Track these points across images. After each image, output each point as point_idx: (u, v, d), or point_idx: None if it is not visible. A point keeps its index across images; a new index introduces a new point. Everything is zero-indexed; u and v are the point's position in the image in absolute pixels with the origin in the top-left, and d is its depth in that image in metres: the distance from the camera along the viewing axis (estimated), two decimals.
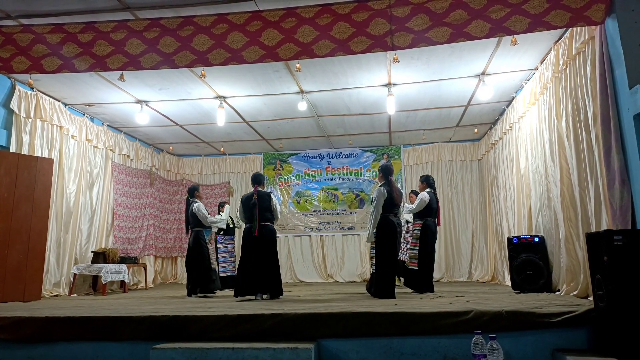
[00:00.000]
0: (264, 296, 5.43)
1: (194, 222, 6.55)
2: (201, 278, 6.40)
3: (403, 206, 6.21)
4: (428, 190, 6.23)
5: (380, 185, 5.52)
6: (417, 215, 6.14)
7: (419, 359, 3.29)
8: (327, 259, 10.10)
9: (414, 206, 6.18)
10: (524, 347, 3.27)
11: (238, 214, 5.86)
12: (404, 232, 6.53)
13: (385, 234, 5.31)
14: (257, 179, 5.75)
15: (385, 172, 5.56)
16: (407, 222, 6.92)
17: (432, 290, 5.85)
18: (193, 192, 6.75)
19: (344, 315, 3.43)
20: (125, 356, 3.46)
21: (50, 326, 3.59)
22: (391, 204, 5.36)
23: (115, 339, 3.50)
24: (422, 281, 5.93)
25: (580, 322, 3.28)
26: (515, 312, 3.35)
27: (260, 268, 5.41)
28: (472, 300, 4.45)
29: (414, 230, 6.16)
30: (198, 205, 6.51)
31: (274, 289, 5.42)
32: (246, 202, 5.64)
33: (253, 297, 5.42)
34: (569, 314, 3.29)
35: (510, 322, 3.30)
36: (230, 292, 7.15)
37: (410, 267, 6.04)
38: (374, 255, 5.61)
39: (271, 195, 5.73)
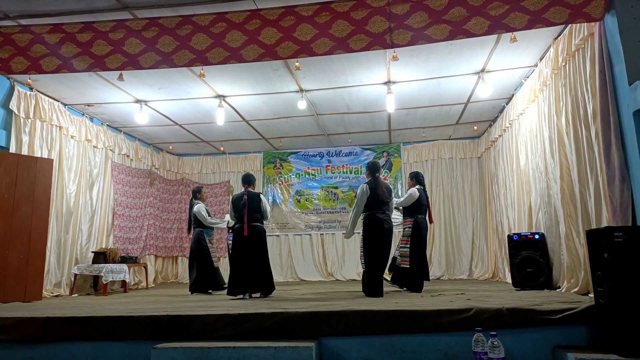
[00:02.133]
0: (254, 295, 5.51)
1: (195, 223, 6.89)
2: (207, 277, 6.69)
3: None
4: (417, 187, 6.12)
5: (365, 183, 5.46)
6: (408, 212, 6.06)
7: (420, 357, 3.29)
8: (327, 258, 10.09)
9: (402, 199, 6.06)
10: (525, 344, 3.27)
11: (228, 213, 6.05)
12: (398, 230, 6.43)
13: (371, 231, 5.28)
14: (247, 180, 5.93)
15: (372, 169, 5.54)
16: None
17: (421, 289, 5.69)
18: (196, 194, 7.14)
19: (345, 314, 3.43)
20: (126, 356, 3.46)
21: (51, 326, 3.59)
22: (376, 200, 5.30)
23: (117, 339, 3.50)
24: (417, 279, 5.79)
25: (581, 319, 3.27)
26: (516, 309, 3.35)
27: (250, 267, 5.46)
28: (472, 297, 4.45)
29: (405, 228, 6.06)
30: (199, 207, 6.87)
31: (266, 286, 5.51)
32: (236, 202, 5.79)
33: (241, 296, 5.46)
34: (570, 311, 3.29)
35: (511, 319, 3.30)
36: None
37: (402, 265, 5.87)
38: (362, 253, 5.47)
39: (260, 196, 5.84)
